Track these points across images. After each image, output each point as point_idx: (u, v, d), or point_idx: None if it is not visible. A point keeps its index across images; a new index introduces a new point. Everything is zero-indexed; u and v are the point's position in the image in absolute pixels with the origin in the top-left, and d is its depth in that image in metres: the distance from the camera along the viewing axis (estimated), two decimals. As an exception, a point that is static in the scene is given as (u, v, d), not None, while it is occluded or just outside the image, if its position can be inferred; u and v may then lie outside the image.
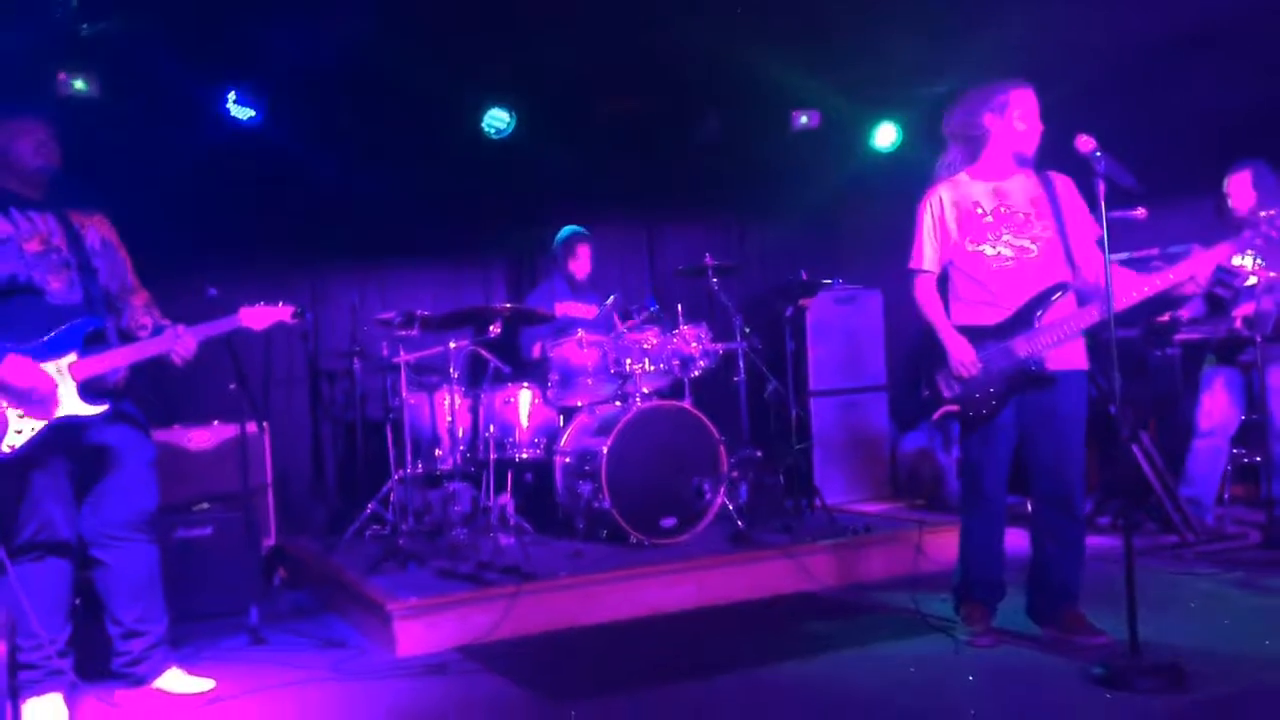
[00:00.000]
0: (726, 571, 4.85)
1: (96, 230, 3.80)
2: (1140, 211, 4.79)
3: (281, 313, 3.92)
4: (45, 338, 3.51)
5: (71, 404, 3.50)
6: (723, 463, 5.30)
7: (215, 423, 5.60)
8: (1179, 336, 5.73)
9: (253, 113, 5.83)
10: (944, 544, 5.14)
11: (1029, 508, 4.04)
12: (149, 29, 5.20)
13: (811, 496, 6.01)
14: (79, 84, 5.54)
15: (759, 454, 5.67)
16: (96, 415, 3.54)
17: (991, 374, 3.88)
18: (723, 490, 5.28)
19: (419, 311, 5.33)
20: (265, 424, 5.76)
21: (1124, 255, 5.77)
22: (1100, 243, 3.67)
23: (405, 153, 6.43)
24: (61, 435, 3.49)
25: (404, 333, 5.38)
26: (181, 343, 3.68)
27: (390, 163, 6.37)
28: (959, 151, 4.05)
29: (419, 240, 6.64)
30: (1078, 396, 3.93)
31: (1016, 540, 4.17)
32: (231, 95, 5.79)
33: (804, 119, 7.16)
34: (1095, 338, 5.72)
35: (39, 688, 3.50)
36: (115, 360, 3.62)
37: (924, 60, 6.52)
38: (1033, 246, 3.90)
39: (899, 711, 3.36)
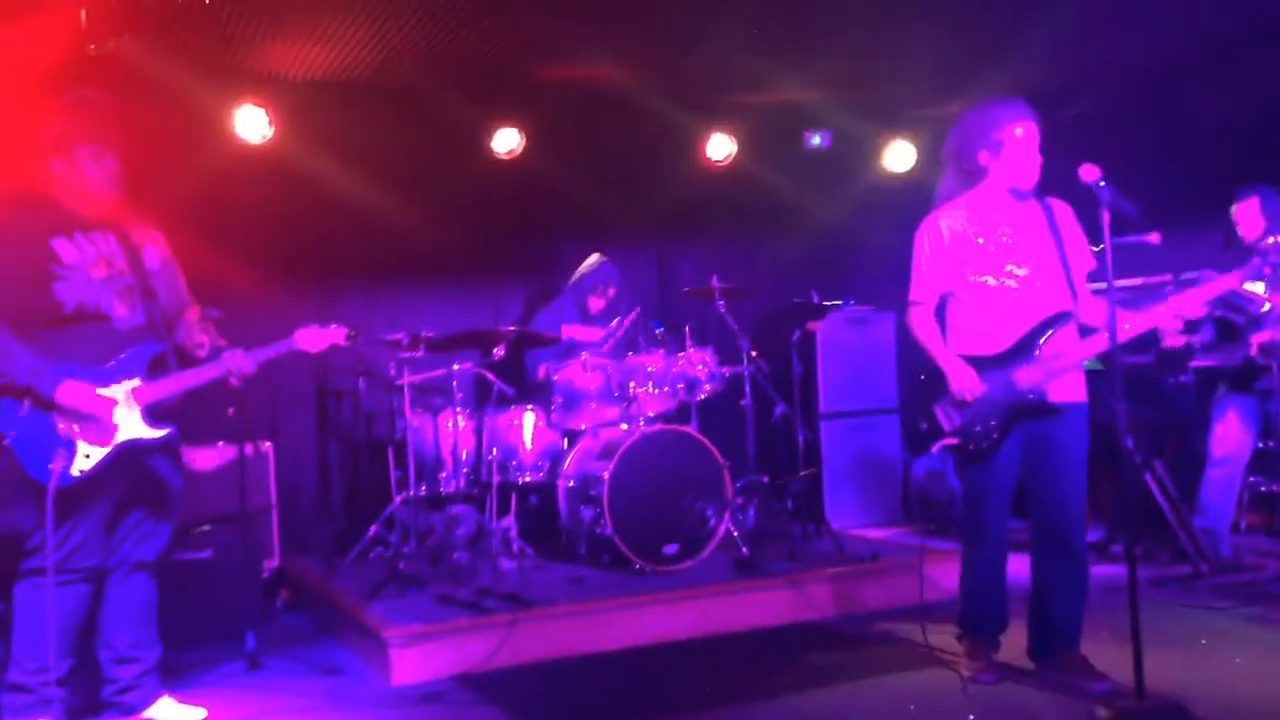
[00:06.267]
0: (729, 600, 4.79)
1: (154, 249, 3.79)
2: (1154, 236, 4.70)
3: (336, 335, 3.83)
4: (110, 363, 3.53)
5: (136, 428, 3.52)
6: (727, 488, 5.23)
7: (220, 443, 5.56)
8: (1194, 363, 5.62)
9: (264, 131, 5.81)
10: (952, 572, 5.01)
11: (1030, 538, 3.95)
12: (158, 46, 5.20)
13: (819, 523, 5.93)
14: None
15: (765, 480, 5.58)
16: (159, 439, 3.57)
17: (992, 405, 3.79)
18: (727, 516, 5.21)
19: (423, 333, 5.31)
20: (271, 444, 5.73)
21: (1138, 281, 5.68)
22: (1092, 276, 3.62)
23: (415, 172, 6.41)
24: (126, 458, 3.52)
25: (409, 354, 5.35)
26: (240, 365, 3.64)
27: (400, 182, 6.34)
28: (956, 179, 3.97)
29: (429, 261, 6.60)
30: (1079, 429, 3.83)
31: (1021, 568, 4.07)
32: (242, 112, 5.78)
33: (816, 139, 7.10)
34: (1106, 364, 5.66)
35: (26, 714, 3.46)
36: (177, 385, 3.62)
37: (938, 81, 6.45)
38: (1036, 277, 3.82)
39: (897, 751, 3.29)
